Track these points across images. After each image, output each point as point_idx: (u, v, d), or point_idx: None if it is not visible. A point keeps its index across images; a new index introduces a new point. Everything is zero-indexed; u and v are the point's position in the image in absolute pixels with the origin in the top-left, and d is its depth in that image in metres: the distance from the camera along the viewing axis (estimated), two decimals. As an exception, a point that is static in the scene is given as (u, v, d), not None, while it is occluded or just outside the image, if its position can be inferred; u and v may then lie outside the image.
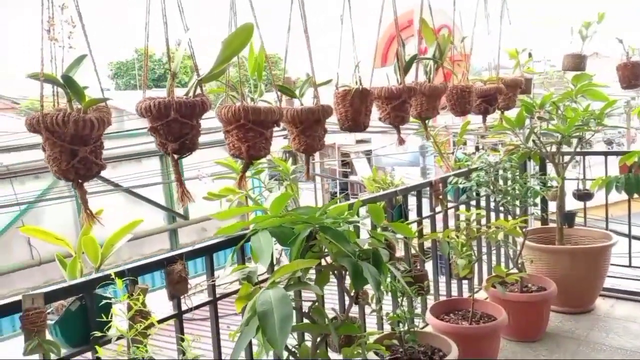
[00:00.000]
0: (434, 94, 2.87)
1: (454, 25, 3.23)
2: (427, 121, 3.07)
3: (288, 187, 2.88)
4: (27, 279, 6.12)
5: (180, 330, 1.97)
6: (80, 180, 1.60)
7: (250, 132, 2.07)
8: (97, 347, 1.65)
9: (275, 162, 2.96)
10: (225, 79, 2.19)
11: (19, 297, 1.56)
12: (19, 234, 5.99)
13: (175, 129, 1.83)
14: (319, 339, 2.19)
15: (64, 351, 1.66)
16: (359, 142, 18.15)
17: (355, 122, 2.68)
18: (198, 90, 1.93)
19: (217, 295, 2.16)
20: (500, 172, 3.42)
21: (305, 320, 2.23)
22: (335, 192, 17.31)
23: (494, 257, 4.10)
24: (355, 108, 2.64)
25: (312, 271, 2.22)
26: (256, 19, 2.07)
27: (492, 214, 3.99)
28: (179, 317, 1.94)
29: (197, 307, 2.02)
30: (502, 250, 4.06)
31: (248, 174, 2.66)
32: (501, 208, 3.89)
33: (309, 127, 2.31)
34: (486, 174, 3.35)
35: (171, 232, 7.93)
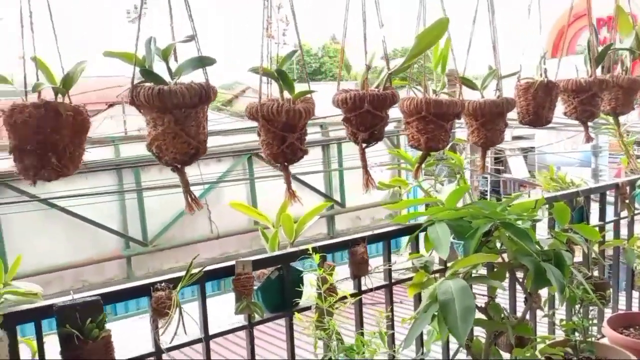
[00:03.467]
0: (632, 87, 2.63)
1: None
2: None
3: (461, 181, 2.87)
4: (208, 250, 6.90)
5: (359, 308, 2.09)
6: (286, 164, 1.79)
7: (430, 124, 2.11)
8: (295, 313, 1.83)
9: (447, 155, 2.96)
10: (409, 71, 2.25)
11: (233, 263, 1.80)
12: (203, 209, 6.77)
13: (367, 119, 1.95)
14: (493, 336, 2.17)
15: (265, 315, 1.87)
16: (515, 138, 17.04)
17: (537, 116, 2.57)
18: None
19: (393, 281, 2.24)
20: None
21: (479, 315, 2.22)
22: (485, 191, 16.49)
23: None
24: (538, 101, 2.53)
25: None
26: (445, 12, 2.10)
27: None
28: (359, 295, 2.07)
29: (376, 289, 2.13)
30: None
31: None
32: None
33: (490, 121, 2.28)
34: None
35: (328, 218, 8.30)
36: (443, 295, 1.79)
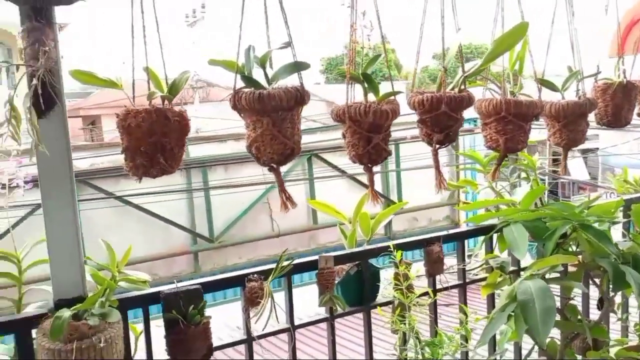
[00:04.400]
0: None
1: None
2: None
3: (534, 182, 2.85)
4: (269, 248, 7.08)
5: (435, 306, 2.14)
6: (370, 165, 1.86)
7: (509, 125, 2.13)
8: (375, 307, 1.90)
9: (521, 156, 2.95)
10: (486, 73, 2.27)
11: (316, 257, 1.89)
12: (265, 208, 6.96)
13: (442, 121, 1.99)
14: (569, 338, 2.17)
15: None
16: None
17: (616, 117, 2.53)
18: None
19: (467, 280, 2.28)
20: None
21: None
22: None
23: None
24: (617, 102, 2.49)
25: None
26: (522, 15, 2.11)
27: None
28: (436, 293, 2.11)
29: (451, 287, 2.17)
30: None
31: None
32: None
33: (572, 122, 2.28)
34: None
35: (386, 219, 8.30)
36: (522, 296, 1.81)
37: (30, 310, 1.53)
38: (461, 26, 2.12)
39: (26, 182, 1.60)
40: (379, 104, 1.78)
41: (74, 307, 1.39)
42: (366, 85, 1.83)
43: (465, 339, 2.11)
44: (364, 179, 7.81)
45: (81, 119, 18.75)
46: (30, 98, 1.29)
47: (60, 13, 1.43)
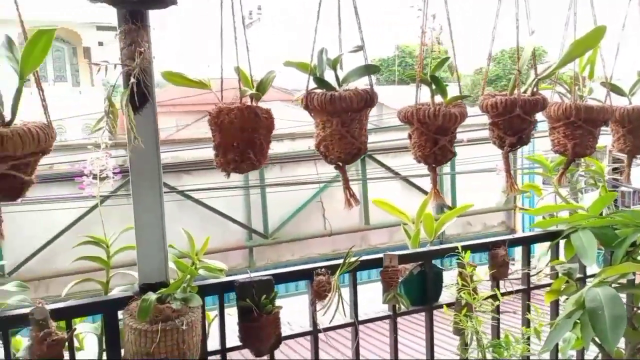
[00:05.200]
0: None
1: None
2: None
3: (602, 189, 2.77)
4: (320, 246, 7.18)
5: (498, 310, 2.13)
6: (434, 165, 1.88)
7: (578, 130, 2.09)
8: (444, 306, 1.93)
9: (588, 162, 2.88)
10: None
11: (381, 255, 1.93)
12: (318, 207, 7.05)
13: (515, 124, 1.98)
14: (637, 347, 2.11)
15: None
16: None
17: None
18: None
19: (531, 286, 2.25)
20: None
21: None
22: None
23: None
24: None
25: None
26: (595, 19, 2.08)
27: None
28: (500, 297, 2.10)
29: (515, 292, 2.15)
30: None
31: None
32: None
33: (638, 127, 2.23)
34: None
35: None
36: (591, 303, 1.78)
37: (115, 292, 1.66)
38: (535, 29, 2.11)
39: (115, 173, 1.72)
40: (447, 107, 1.80)
41: (159, 291, 1.49)
42: (434, 87, 1.85)
43: (528, 343, 2.10)
44: (417, 180, 7.78)
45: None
46: (128, 96, 1.40)
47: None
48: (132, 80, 1.40)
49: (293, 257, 7.18)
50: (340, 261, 1.85)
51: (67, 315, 1.51)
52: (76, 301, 1.53)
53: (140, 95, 1.45)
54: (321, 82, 1.69)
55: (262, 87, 1.66)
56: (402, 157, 7.62)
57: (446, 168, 8.09)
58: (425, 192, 8.14)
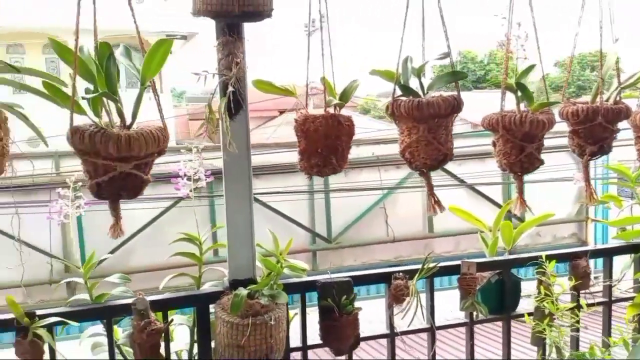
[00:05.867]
0: None
1: None
2: None
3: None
4: (383, 252, 7.17)
5: (577, 321, 2.08)
6: (520, 173, 1.87)
7: (668, 140, 2.02)
8: (526, 315, 1.91)
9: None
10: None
11: (459, 262, 1.93)
12: (380, 213, 7.03)
13: (597, 132, 1.94)
14: None
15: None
16: None
17: None
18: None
19: (613, 299, 2.18)
20: None
21: None
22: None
23: None
24: None
25: None
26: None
27: None
28: (577, 309, 2.05)
29: (597, 304, 2.09)
30: None
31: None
32: None
33: None
34: None
35: (505, 233, 8.01)
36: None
37: (206, 287, 1.76)
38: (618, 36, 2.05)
39: (206, 176, 1.82)
40: (534, 114, 1.79)
41: (248, 287, 1.57)
42: (519, 94, 1.84)
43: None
44: (483, 189, 7.59)
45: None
46: (226, 103, 1.49)
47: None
48: (230, 88, 1.49)
49: (355, 262, 7.21)
50: (418, 266, 1.87)
51: (164, 306, 1.62)
52: (172, 294, 1.64)
53: (235, 103, 1.54)
54: (406, 89, 1.73)
55: (345, 96, 1.72)
56: (467, 165, 7.49)
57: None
58: (492, 201, 7.95)
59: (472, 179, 7.50)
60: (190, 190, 1.78)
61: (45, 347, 1.52)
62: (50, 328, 1.50)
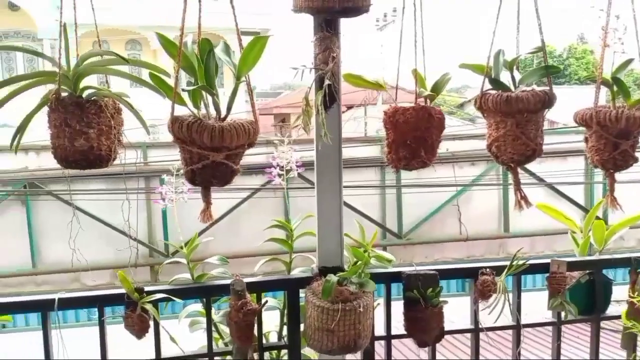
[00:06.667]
0: None
1: None
2: None
3: None
4: (454, 250, 7.07)
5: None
6: (612, 170, 1.81)
7: None
8: (623, 315, 1.85)
9: None
10: None
11: (548, 261, 1.90)
12: (453, 211, 6.94)
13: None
14: None
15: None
16: None
17: None
18: None
19: None
20: None
21: None
22: None
23: None
24: None
25: None
26: None
27: None
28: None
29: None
30: None
31: None
32: None
33: None
34: None
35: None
36: None
37: (296, 273, 1.84)
38: None
39: (298, 167, 1.90)
40: (630, 109, 1.72)
41: (337, 274, 1.63)
42: (615, 89, 1.78)
43: None
44: (562, 188, 7.28)
45: (272, 116, 20.49)
46: (322, 97, 1.55)
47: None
48: (327, 82, 1.54)
49: (427, 259, 7.15)
50: (506, 263, 1.85)
51: (258, 288, 1.71)
52: (266, 277, 1.73)
53: (330, 96, 1.59)
54: (497, 83, 1.72)
55: (436, 89, 1.73)
56: (547, 163, 7.21)
57: (598, 176, 7.49)
58: (573, 201, 7.61)
59: (551, 178, 7.22)
60: (283, 180, 1.86)
61: (150, 323, 1.65)
62: (155, 304, 1.63)
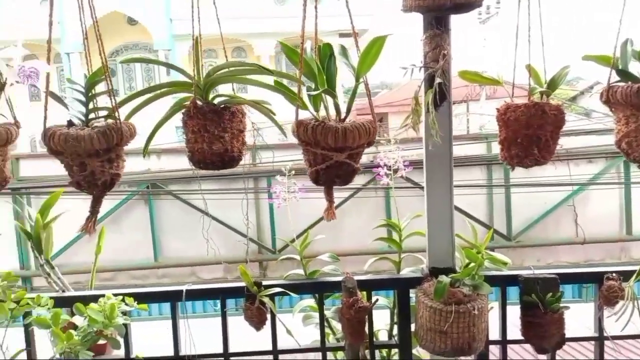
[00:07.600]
0: None
1: None
2: None
3: None
4: (570, 254, 6.61)
5: None
6: None
7: None
8: None
9: None
10: None
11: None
12: (568, 212, 6.49)
13: None
14: None
15: None
16: None
17: None
18: None
19: None
20: None
21: None
22: None
23: None
24: None
25: None
26: None
27: None
28: None
29: None
30: None
31: None
32: None
33: None
34: None
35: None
36: None
37: (405, 273, 1.83)
38: None
39: (405, 166, 1.90)
40: None
41: (450, 275, 1.61)
42: None
43: None
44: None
45: (370, 116, 20.27)
46: (433, 95, 1.54)
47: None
48: (438, 80, 1.53)
49: (539, 262, 6.74)
50: (633, 268, 1.71)
51: (368, 287, 1.74)
52: (376, 276, 1.76)
53: (440, 94, 1.58)
54: (625, 74, 1.60)
55: (553, 84, 1.65)
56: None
57: None
58: None
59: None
60: (390, 179, 1.87)
61: (267, 316, 1.73)
62: (272, 297, 1.71)
